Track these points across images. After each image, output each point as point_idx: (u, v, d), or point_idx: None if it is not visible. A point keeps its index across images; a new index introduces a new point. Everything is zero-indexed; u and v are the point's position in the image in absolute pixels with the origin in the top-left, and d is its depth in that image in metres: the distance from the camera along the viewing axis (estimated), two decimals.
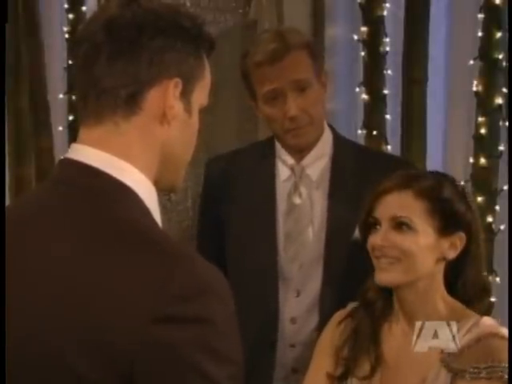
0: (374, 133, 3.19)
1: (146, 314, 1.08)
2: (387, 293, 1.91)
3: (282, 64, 2.11)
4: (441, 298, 1.87)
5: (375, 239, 1.87)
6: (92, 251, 1.14)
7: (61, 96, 3.32)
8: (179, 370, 1.09)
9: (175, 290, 1.09)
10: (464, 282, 1.89)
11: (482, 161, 3.04)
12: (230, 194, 2.27)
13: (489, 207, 3.04)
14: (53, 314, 1.13)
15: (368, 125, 3.21)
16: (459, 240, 1.86)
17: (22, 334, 1.14)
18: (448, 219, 1.85)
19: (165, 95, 1.22)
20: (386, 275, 1.85)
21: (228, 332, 1.13)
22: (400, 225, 1.84)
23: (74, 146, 1.24)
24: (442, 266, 1.87)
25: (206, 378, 1.09)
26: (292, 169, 2.23)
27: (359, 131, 3.22)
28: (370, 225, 1.89)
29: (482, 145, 3.05)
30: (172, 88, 1.22)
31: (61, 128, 3.34)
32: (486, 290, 1.93)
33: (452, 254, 1.86)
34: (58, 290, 1.13)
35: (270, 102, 2.14)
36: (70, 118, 3.28)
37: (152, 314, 1.08)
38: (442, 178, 1.92)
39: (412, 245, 1.83)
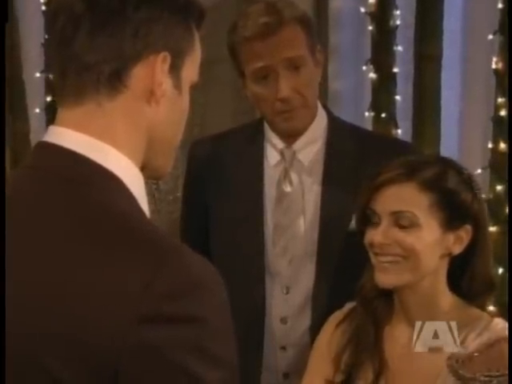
0: (383, 115, 3.20)
1: (131, 314, 1.07)
2: (387, 290, 1.91)
3: (274, 39, 2.08)
4: (444, 296, 1.87)
5: (375, 236, 1.85)
6: (72, 245, 1.13)
7: (37, 75, 3.32)
8: (168, 373, 1.08)
9: (163, 287, 1.08)
10: (471, 278, 1.88)
11: (502, 146, 3.04)
12: (215, 178, 2.26)
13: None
14: (29, 315, 1.12)
15: (376, 106, 3.21)
16: (465, 233, 1.85)
17: None
18: (454, 211, 1.84)
19: (152, 71, 1.20)
20: (387, 277, 1.84)
21: (221, 331, 1.13)
22: (402, 220, 1.83)
23: (52, 128, 1.23)
24: (445, 262, 1.87)
25: (196, 381, 1.09)
26: (282, 153, 2.21)
27: (366, 113, 3.22)
28: (368, 218, 1.88)
29: (502, 128, 3.05)
30: (160, 63, 1.20)
31: (37, 110, 3.35)
32: (493, 285, 1.92)
33: (457, 249, 1.85)
34: (34, 291, 1.12)
35: (260, 80, 2.12)
36: (48, 99, 3.29)
37: (138, 314, 1.07)
38: (446, 164, 1.89)
39: (416, 242, 1.82)
